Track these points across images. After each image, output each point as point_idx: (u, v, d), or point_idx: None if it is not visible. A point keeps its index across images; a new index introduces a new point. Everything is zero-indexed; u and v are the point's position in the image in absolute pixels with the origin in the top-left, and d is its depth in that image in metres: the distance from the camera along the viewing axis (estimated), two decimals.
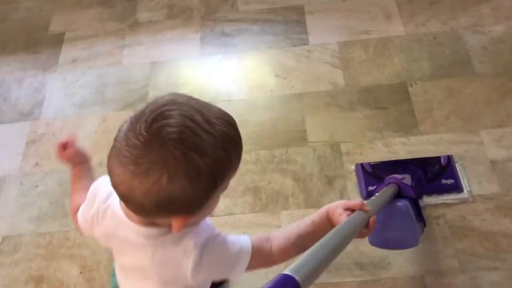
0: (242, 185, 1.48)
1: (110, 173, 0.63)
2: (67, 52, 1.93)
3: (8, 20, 2.08)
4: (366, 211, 0.79)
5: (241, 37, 1.86)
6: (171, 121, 0.59)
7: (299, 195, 1.44)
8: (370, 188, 1.39)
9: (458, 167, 1.42)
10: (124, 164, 0.60)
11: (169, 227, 0.67)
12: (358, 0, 1.89)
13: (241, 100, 1.69)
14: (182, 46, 1.87)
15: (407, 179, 1.25)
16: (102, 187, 0.78)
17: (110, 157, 0.63)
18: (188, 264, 0.70)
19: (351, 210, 0.78)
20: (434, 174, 1.40)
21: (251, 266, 0.76)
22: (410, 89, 1.62)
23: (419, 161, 1.43)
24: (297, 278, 0.53)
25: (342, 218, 0.76)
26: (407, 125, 1.54)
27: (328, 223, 0.79)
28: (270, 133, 1.60)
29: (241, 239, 0.77)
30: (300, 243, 0.78)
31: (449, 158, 1.43)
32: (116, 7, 2.05)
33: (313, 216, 0.81)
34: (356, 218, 0.76)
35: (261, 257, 0.77)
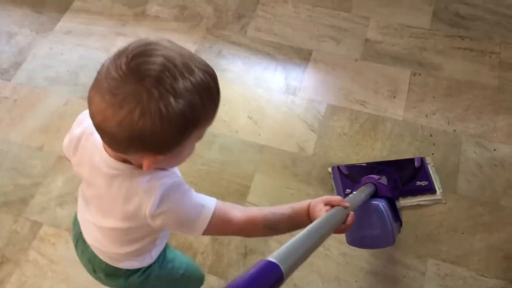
0: None
1: (89, 103, 0.64)
2: (67, 21, 1.88)
3: None
4: (345, 207, 0.79)
5: (234, 63, 1.74)
6: (152, 59, 0.60)
7: (209, 255, 1.33)
8: (348, 190, 1.40)
9: (430, 169, 1.45)
10: (101, 94, 0.61)
11: (140, 166, 0.69)
12: (372, 66, 1.71)
13: None
14: None
15: (383, 180, 1.24)
16: (83, 121, 0.79)
17: (90, 88, 0.64)
18: (148, 203, 0.70)
19: (331, 205, 0.78)
20: (408, 176, 1.43)
21: (210, 229, 0.74)
22: None
23: (394, 164, 1.46)
24: (281, 266, 0.54)
25: (321, 213, 0.75)
26: None
27: (307, 215, 0.78)
28: (214, 176, 1.48)
29: (207, 198, 0.75)
30: (272, 221, 0.77)
31: (422, 160, 1.46)
32: None
33: (293, 204, 0.80)
34: (335, 213, 0.77)
35: (223, 222, 0.75)
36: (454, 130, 1.55)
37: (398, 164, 1.46)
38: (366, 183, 1.18)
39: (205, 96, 0.63)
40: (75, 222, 0.92)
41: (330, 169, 1.46)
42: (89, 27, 1.86)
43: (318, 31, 1.82)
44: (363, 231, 1.10)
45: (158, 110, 0.59)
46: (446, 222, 1.37)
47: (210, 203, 0.75)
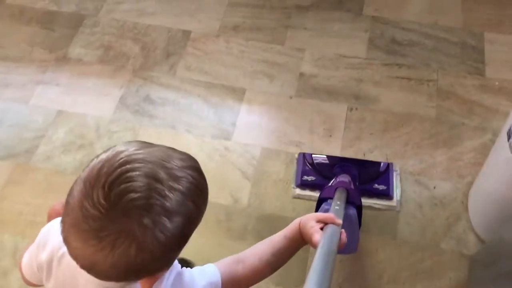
0: None
1: (66, 243, 0.55)
2: None
3: None
4: (338, 225, 0.77)
5: (163, 108, 1.64)
6: (134, 184, 0.53)
7: None
8: (305, 177, 1.45)
9: (395, 176, 1.45)
10: (83, 239, 0.53)
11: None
12: (307, 103, 1.64)
13: None
14: (99, 101, 1.66)
15: (345, 177, 1.26)
16: (54, 233, 0.69)
17: (64, 224, 0.55)
18: None
19: (323, 222, 0.76)
20: (369, 178, 1.43)
21: None
22: None
23: (359, 162, 1.46)
24: None
25: (314, 229, 0.74)
26: (293, 278, 1.30)
27: (300, 237, 0.76)
28: None
29: (209, 271, 0.73)
30: (275, 262, 0.77)
31: (388, 166, 1.46)
32: (54, 32, 1.84)
33: (284, 231, 0.78)
34: (335, 233, 0.75)
35: (233, 283, 0.74)
36: (395, 171, 1.49)
37: (363, 164, 1.46)
38: (338, 187, 1.15)
39: (197, 199, 0.59)
40: None
41: (296, 155, 1.50)
42: (6, 76, 1.72)
43: (251, 67, 1.73)
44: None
45: (155, 239, 0.54)
46: (386, 273, 1.31)
47: (214, 277, 0.72)
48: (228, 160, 1.52)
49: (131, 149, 0.57)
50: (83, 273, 0.58)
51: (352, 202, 1.15)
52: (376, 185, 1.43)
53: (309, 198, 1.43)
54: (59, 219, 0.57)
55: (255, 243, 1.26)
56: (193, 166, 0.61)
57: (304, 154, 1.49)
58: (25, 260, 0.74)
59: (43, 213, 1.41)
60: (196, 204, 0.59)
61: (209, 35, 1.82)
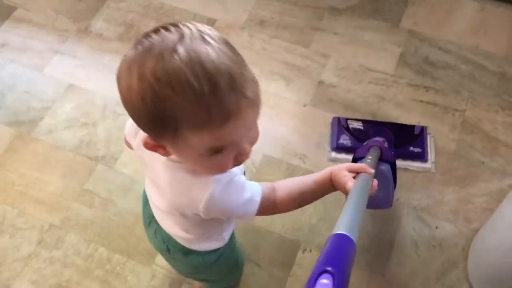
0: (53, 279, 1.28)
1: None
2: (5, 31, 1.75)
3: None
4: (370, 173, 0.80)
5: None
6: (155, 35, 0.59)
7: None
8: (341, 141, 1.48)
9: (429, 139, 1.48)
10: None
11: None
12: (320, 114, 1.55)
13: (122, 173, 1.46)
14: (111, 79, 1.62)
15: (378, 138, 1.28)
16: None
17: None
18: (203, 197, 0.70)
19: (355, 172, 0.79)
20: (404, 141, 1.46)
21: (257, 214, 0.77)
22: (300, 254, 1.32)
23: (394, 126, 1.50)
24: (351, 236, 0.59)
25: (346, 178, 0.76)
26: None
27: (330, 184, 0.79)
28: (124, 231, 1.36)
29: (254, 187, 0.77)
30: (301, 200, 0.81)
31: (422, 129, 1.49)
32: (81, 2, 1.82)
33: (315, 175, 0.81)
34: (367, 179, 0.79)
35: (265, 206, 0.78)
36: (397, 200, 1.40)
37: (398, 127, 1.50)
38: (372, 146, 1.18)
39: (171, 87, 0.55)
40: (146, 204, 0.94)
41: (331, 119, 1.53)
42: (26, 41, 1.72)
43: (270, 66, 1.66)
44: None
45: (127, 87, 0.59)
46: None
47: (257, 193, 0.76)
48: None
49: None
50: None
51: (386, 160, 1.17)
52: (411, 148, 1.46)
53: (344, 161, 1.39)
54: None
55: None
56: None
57: (338, 118, 1.52)
58: (127, 124, 0.82)
59: (35, 187, 1.43)
60: (171, 91, 0.56)
61: (234, 27, 1.75)
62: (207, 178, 0.70)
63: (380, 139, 1.27)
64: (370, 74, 1.64)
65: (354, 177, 0.78)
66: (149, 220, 0.94)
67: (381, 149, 1.17)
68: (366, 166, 0.81)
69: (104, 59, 1.68)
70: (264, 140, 1.49)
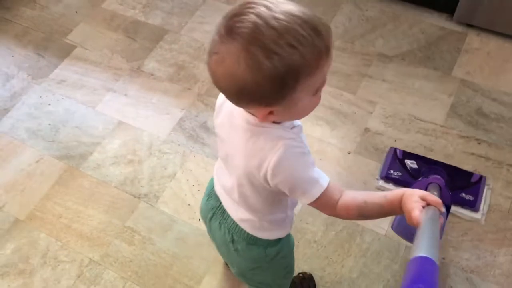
0: None
1: (208, 67, 0.72)
2: (64, 68, 1.85)
3: (45, 9, 2.05)
4: (440, 211, 0.77)
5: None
6: (244, 17, 0.65)
7: None
8: (391, 171, 1.48)
9: (485, 191, 1.43)
10: (210, 56, 0.69)
11: (268, 121, 0.75)
12: (366, 163, 1.52)
13: (161, 211, 1.47)
14: (159, 118, 1.68)
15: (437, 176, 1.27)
16: None
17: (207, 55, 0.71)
18: (272, 158, 0.74)
19: (427, 202, 0.77)
20: (457, 186, 1.41)
21: (316, 202, 0.79)
22: None
23: (450, 168, 1.46)
24: (434, 259, 0.62)
25: (416, 205, 0.75)
26: None
27: (399, 204, 0.77)
28: (161, 271, 1.36)
29: (323, 175, 0.80)
30: (364, 208, 0.80)
31: (481, 178, 1.45)
32: (136, 42, 1.90)
33: (387, 192, 0.80)
34: (436, 216, 0.76)
35: (327, 201, 0.79)
36: (443, 258, 1.33)
37: (454, 170, 1.46)
38: (431, 183, 1.17)
39: (296, 44, 0.64)
40: (210, 197, 0.99)
41: (388, 148, 1.54)
42: (82, 78, 1.81)
43: (315, 111, 1.61)
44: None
45: (253, 64, 0.64)
46: None
47: (325, 179, 0.79)
48: None
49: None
50: (236, 109, 0.77)
51: (443, 201, 1.11)
52: (463, 194, 1.41)
53: None
54: None
55: None
56: (294, 13, 0.66)
57: (395, 149, 1.52)
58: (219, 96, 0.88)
59: (79, 220, 1.46)
60: (294, 48, 0.64)
61: None
62: (279, 141, 0.75)
63: (440, 177, 1.23)
64: (418, 123, 1.60)
65: (423, 207, 0.76)
66: (212, 212, 0.99)
67: (440, 188, 1.13)
68: (440, 202, 0.78)
69: (153, 98, 1.73)
70: None
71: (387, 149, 1.54)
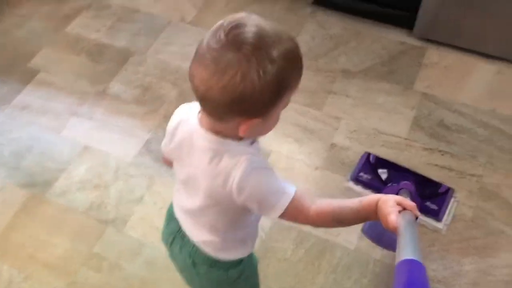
0: None
1: (191, 77, 0.72)
2: (27, 94, 1.82)
3: (8, 35, 2.02)
4: (416, 215, 0.78)
5: None
6: (247, 29, 0.68)
7: None
8: (362, 174, 1.50)
9: (451, 202, 1.44)
10: (204, 65, 0.69)
11: (235, 137, 0.76)
12: (333, 178, 1.53)
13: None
14: (125, 141, 1.66)
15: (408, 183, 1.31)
16: (180, 111, 0.88)
17: (192, 64, 0.72)
18: (236, 174, 0.75)
19: (402, 207, 0.78)
20: (424, 194, 1.42)
21: (286, 214, 0.79)
22: None
23: (420, 177, 1.47)
24: (420, 260, 0.65)
25: (392, 210, 0.75)
26: None
27: (374, 209, 0.78)
28: None
29: (288, 184, 0.80)
30: (339, 214, 0.80)
31: (448, 190, 1.46)
32: (101, 65, 1.89)
33: (362, 198, 0.81)
34: (412, 221, 0.76)
35: (298, 209, 0.79)
36: None
37: (423, 180, 1.48)
38: (402, 188, 1.20)
39: (293, 63, 0.71)
40: (170, 221, 0.98)
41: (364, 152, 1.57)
42: (46, 103, 1.78)
43: (282, 129, 1.66)
44: (386, 230, 1.02)
45: (256, 74, 0.67)
46: None
47: (290, 189, 0.79)
48: None
49: (249, 14, 0.72)
50: (197, 129, 0.78)
51: None
52: (428, 203, 1.42)
53: (358, 195, 1.33)
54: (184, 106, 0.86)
55: None
56: (293, 40, 0.73)
57: (369, 154, 1.55)
58: (163, 142, 0.91)
59: (44, 250, 1.43)
60: (291, 65, 0.71)
61: None
62: (241, 158, 0.76)
63: (410, 184, 1.24)
64: (382, 137, 1.63)
65: (399, 211, 0.77)
66: (173, 237, 0.98)
67: (411, 194, 1.15)
68: (415, 206, 0.79)
69: (119, 121, 1.72)
70: None
71: (353, 164, 1.56)
